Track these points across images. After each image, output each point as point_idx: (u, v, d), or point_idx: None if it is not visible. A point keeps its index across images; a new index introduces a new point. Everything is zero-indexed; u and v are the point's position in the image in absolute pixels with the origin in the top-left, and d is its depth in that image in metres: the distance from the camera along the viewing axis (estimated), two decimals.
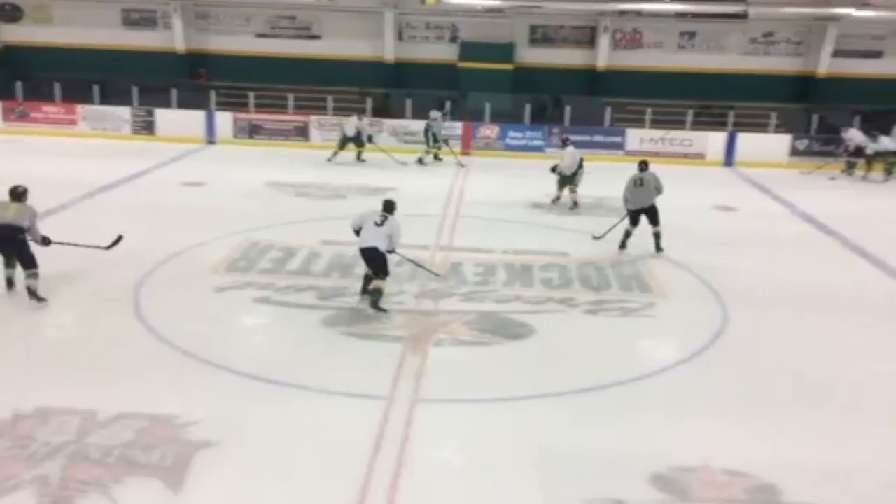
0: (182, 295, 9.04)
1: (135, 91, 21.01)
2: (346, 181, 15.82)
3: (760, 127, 20.50)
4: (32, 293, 8.44)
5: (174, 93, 20.92)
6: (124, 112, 20.64)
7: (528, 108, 20.91)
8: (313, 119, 20.56)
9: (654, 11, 21.98)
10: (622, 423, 6.44)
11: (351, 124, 18.26)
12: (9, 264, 8.69)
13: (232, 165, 17.36)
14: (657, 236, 11.22)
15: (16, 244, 8.43)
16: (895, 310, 9.47)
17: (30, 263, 8.44)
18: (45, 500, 5.09)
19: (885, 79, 22.34)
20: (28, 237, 8.50)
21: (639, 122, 20.64)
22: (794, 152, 19.79)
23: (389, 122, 20.42)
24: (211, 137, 20.41)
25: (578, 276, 10.16)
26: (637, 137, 20.12)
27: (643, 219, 11.19)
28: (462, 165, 18.12)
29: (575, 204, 14.20)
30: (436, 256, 10.77)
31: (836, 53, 22.32)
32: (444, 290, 9.43)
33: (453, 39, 23.36)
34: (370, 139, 18.45)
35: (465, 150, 20.10)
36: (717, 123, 20.64)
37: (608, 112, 20.71)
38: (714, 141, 19.90)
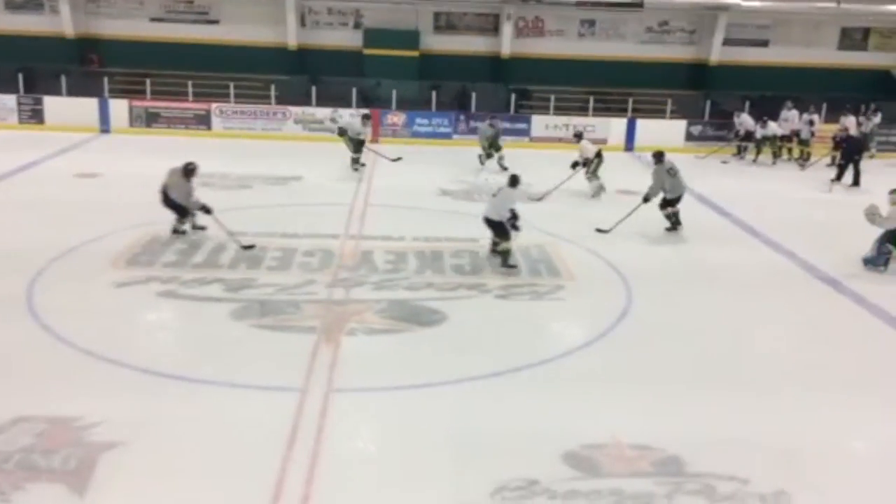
0: (79, 292, 8.64)
1: (20, 78, 19.84)
2: (251, 171, 15.45)
3: (658, 113, 21.23)
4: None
5: (63, 80, 19.88)
6: (9, 100, 19.47)
7: (434, 95, 20.96)
8: (214, 107, 19.97)
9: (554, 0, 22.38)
10: (534, 404, 6.57)
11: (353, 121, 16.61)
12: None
13: (129, 155, 16.66)
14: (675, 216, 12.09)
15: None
16: (788, 286, 10.01)
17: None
18: None
19: (771, 66, 23.50)
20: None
21: (543, 109, 21.01)
22: (690, 137, 20.61)
23: (294, 110, 20.06)
24: (105, 126, 19.53)
25: (489, 261, 10.28)
26: (542, 124, 20.47)
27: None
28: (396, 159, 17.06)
29: (601, 188, 14.65)
30: (346, 245, 10.68)
31: (727, 42, 23.31)
32: (356, 279, 9.37)
33: (357, 26, 23.11)
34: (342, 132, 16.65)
35: (373, 137, 19.98)
36: (617, 110, 21.23)
37: (513, 99, 20.98)
38: (615, 127, 20.48)
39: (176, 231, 10.73)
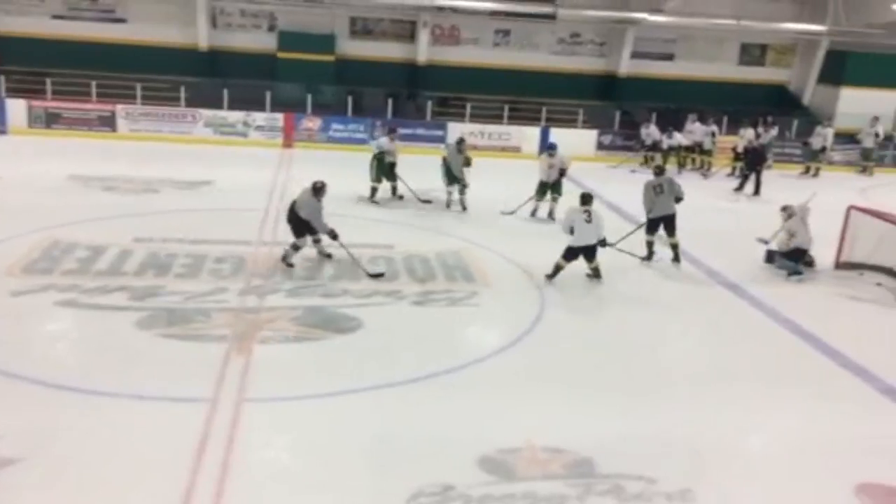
0: None
1: None
2: (158, 174, 14.95)
3: (570, 123, 21.73)
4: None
5: None
6: None
7: (350, 100, 20.83)
8: (120, 108, 19.25)
9: (469, 9, 22.57)
10: (449, 410, 6.60)
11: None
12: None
13: (27, 157, 15.90)
14: (675, 247, 11.16)
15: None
16: (692, 291, 10.40)
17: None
18: None
19: (676, 79, 24.41)
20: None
21: (459, 117, 21.19)
22: (601, 147, 21.18)
23: (205, 113, 19.56)
24: (2, 127, 18.54)
25: (405, 267, 10.28)
26: (458, 131, 20.61)
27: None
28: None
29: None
30: (259, 252, 10.48)
31: (635, 55, 24.06)
32: (270, 287, 9.20)
33: (271, 28, 22.73)
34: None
35: (287, 141, 19.70)
36: (531, 119, 21.61)
37: (430, 106, 21.07)
38: (529, 135, 20.84)
39: (285, 259, 9.89)
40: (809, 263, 11.14)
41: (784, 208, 11.05)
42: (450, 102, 21.73)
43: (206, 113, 19.58)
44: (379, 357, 7.55)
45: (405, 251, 10.92)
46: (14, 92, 19.23)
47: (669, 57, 24.75)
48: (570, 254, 9.87)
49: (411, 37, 23.46)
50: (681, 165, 19.73)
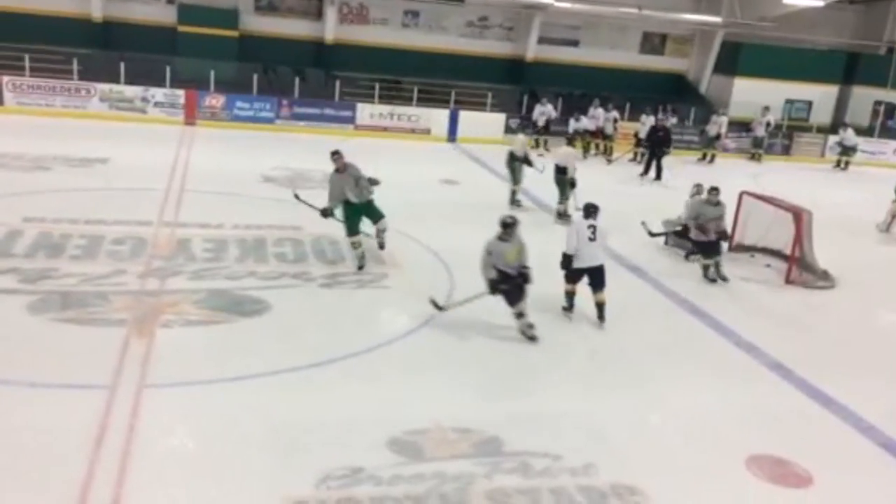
0: None
1: None
2: (49, 150, 14.20)
3: (478, 106, 21.89)
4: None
5: None
6: None
7: (255, 78, 20.30)
8: (7, 80, 18.12)
9: None
10: (358, 392, 6.59)
11: (519, 143, 14.31)
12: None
13: None
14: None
15: None
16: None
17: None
18: None
19: (581, 65, 24.96)
20: None
21: (368, 98, 21.00)
22: (509, 130, 21.40)
23: (100, 87, 18.66)
24: None
25: (313, 249, 10.15)
26: (367, 112, 20.47)
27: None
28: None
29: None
30: (160, 233, 10.12)
31: (541, 40, 24.44)
32: (171, 269, 8.91)
33: (170, 1, 21.85)
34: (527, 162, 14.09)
35: (189, 118, 19.04)
36: (440, 101, 21.64)
37: (338, 86, 20.79)
38: (438, 118, 20.87)
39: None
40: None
41: (695, 185, 11.53)
42: (358, 83, 21.50)
43: (102, 87, 18.70)
44: (286, 340, 7.45)
45: (313, 233, 10.77)
46: None
47: (574, 43, 25.27)
48: (574, 274, 8.47)
49: (318, 14, 23.05)
50: (586, 150, 20.20)
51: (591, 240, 8.28)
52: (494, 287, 7.78)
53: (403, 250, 10.53)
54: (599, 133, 20.51)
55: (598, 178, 17.63)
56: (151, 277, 8.62)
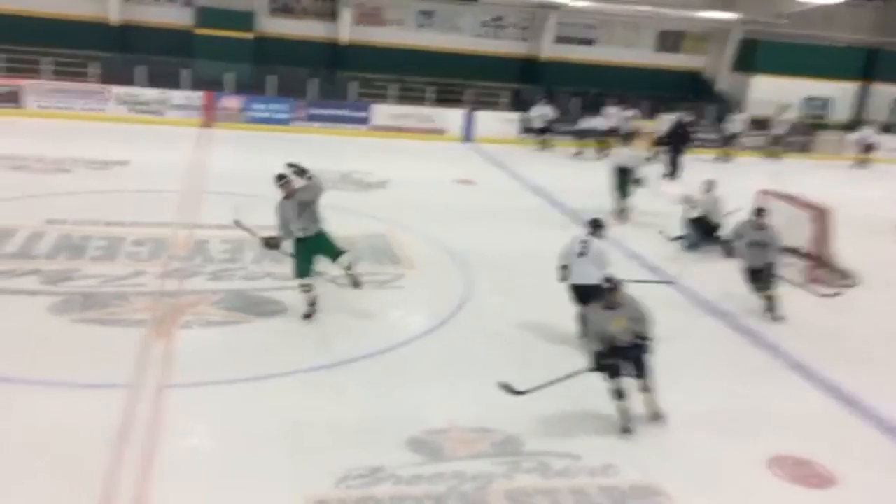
0: None
1: None
2: (69, 153, 14.34)
3: (494, 105, 21.87)
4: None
5: None
6: None
7: (271, 80, 20.40)
8: (27, 84, 18.32)
9: None
10: (376, 393, 6.60)
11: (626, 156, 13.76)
12: None
13: None
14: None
15: None
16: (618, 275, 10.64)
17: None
18: None
19: (596, 64, 24.88)
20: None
21: (383, 98, 21.04)
22: (524, 130, 21.39)
23: (118, 90, 18.82)
24: None
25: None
26: (382, 113, 20.51)
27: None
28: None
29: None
30: (178, 234, 10.18)
31: (557, 40, 24.40)
32: (190, 270, 8.97)
33: (187, 3, 22.00)
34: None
35: (207, 121, 19.16)
36: (455, 101, 21.64)
37: (353, 87, 20.85)
38: (453, 118, 20.89)
39: None
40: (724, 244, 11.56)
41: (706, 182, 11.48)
42: (373, 84, 21.54)
43: (120, 90, 18.85)
44: (303, 341, 7.47)
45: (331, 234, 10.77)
46: None
47: (590, 42, 25.18)
48: (574, 294, 7.78)
49: (333, 16, 23.12)
50: (600, 150, 20.11)
51: (581, 255, 7.63)
52: (601, 362, 6.28)
53: (420, 251, 10.54)
54: (613, 133, 20.42)
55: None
56: (171, 278, 8.68)
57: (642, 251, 11.43)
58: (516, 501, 5.22)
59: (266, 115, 19.88)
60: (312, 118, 20.12)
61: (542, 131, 20.03)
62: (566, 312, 8.78)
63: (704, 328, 8.88)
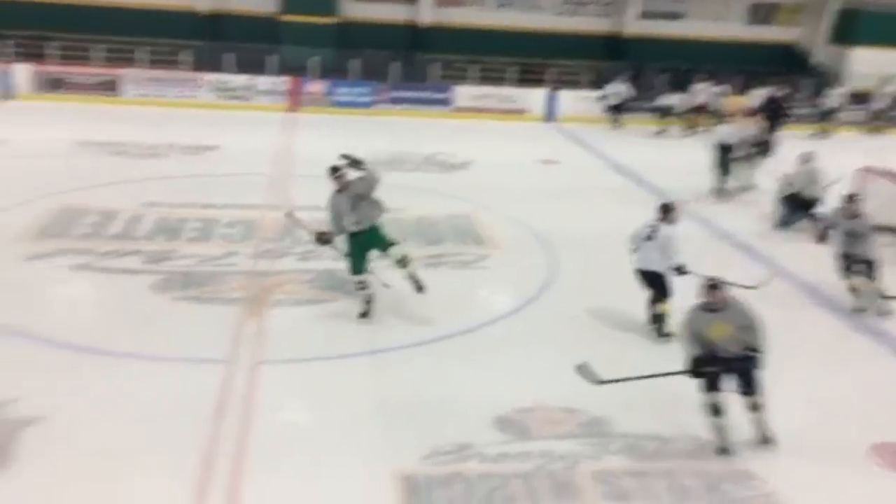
0: None
1: None
2: (165, 139, 14.90)
3: (576, 84, 21.52)
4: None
5: None
6: None
7: (354, 63, 20.64)
8: (125, 73, 19.11)
9: None
10: (462, 371, 6.65)
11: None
12: None
13: (35, 123, 15.81)
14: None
15: None
16: (705, 252, 10.35)
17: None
18: None
19: (684, 39, 24.10)
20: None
21: (464, 80, 21.01)
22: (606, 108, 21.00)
23: (208, 77, 19.42)
24: (8, 92, 18.42)
25: (414, 230, 10.27)
26: (464, 94, 20.49)
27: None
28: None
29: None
30: (268, 216, 10.47)
31: (643, 15, 23.76)
32: (280, 250, 9.23)
33: None
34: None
35: (292, 105, 19.57)
36: (536, 80, 21.40)
37: (434, 69, 20.89)
38: (535, 97, 20.67)
39: None
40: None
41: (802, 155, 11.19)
42: (454, 65, 21.51)
43: (210, 77, 19.45)
44: (390, 319, 7.59)
45: (415, 215, 10.90)
46: (20, 57, 19.10)
47: (678, 16, 24.41)
48: (639, 279, 7.56)
49: None
50: (689, 128, 19.56)
51: (647, 239, 7.35)
52: (698, 368, 5.64)
53: (503, 230, 10.53)
54: (703, 109, 19.80)
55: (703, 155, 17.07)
56: (262, 258, 8.95)
57: (734, 229, 11.11)
58: (605, 483, 5.19)
59: (349, 98, 20.14)
60: (395, 101, 20.27)
61: (615, 109, 19.59)
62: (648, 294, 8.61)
63: (803, 312, 8.55)
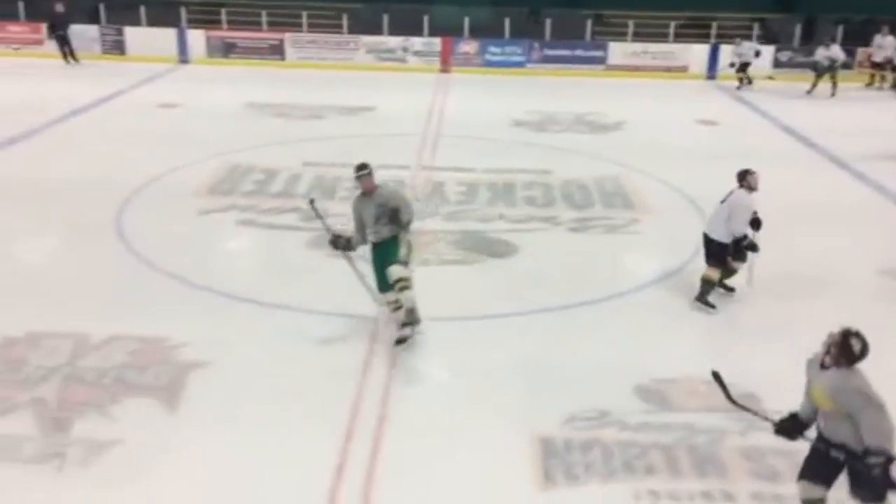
0: (164, 219, 8.97)
1: (101, 8, 20.25)
2: (324, 101, 15.51)
3: (743, 39, 20.19)
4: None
5: (143, 10, 20.19)
6: (92, 30, 19.93)
7: (507, 22, 20.45)
8: (288, 37, 20.01)
9: None
10: (605, 337, 6.58)
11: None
12: None
13: (207, 86, 16.94)
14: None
15: None
16: (872, 217, 9.61)
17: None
18: (44, 421, 5.15)
19: None
20: None
21: (619, 36, 20.29)
22: (777, 64, 19.62)
23: (365, 39, 19.94)
24: (184, 57, 19.82)
25: (562, 194, 10.17)
26: (619, 51, 19.82)
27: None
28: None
29: None
30: (417, 176, 10.71)
31: None
32: (427, 210, 9.42)
33: None
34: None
35: (444, 66, 19.73)
36: (699, 35, 20.31)
37: (588, 25, 20.31)
38: (697, 54, 19.64)
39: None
40: None
41: None
42: (609, 21, 20.79)
43: (367, 39, 19.96)
44: (534, 282, 7.60)
45: (562, 178, 10.77)
46: (193, 23, 20.43)
47: None
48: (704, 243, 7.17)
49: None
50: (868, 84, 17.94)
51: (721, 202, 7.01)
52: (787, 434, 4.37)
53: (655, 195, 10.19)
54: (887, 65, 18.05)
55: (885, 117, 15.63)
56: None
57: None
58: (752, 461, 5.00)
59: (501, 58, 20.02)
60: (547, 59, 19.95)
61: (742, 67, 18.03)
62: (812, 263, 8.10)
63: None
